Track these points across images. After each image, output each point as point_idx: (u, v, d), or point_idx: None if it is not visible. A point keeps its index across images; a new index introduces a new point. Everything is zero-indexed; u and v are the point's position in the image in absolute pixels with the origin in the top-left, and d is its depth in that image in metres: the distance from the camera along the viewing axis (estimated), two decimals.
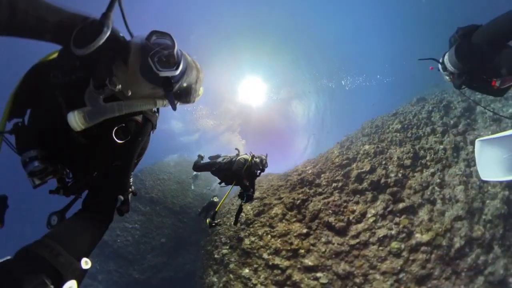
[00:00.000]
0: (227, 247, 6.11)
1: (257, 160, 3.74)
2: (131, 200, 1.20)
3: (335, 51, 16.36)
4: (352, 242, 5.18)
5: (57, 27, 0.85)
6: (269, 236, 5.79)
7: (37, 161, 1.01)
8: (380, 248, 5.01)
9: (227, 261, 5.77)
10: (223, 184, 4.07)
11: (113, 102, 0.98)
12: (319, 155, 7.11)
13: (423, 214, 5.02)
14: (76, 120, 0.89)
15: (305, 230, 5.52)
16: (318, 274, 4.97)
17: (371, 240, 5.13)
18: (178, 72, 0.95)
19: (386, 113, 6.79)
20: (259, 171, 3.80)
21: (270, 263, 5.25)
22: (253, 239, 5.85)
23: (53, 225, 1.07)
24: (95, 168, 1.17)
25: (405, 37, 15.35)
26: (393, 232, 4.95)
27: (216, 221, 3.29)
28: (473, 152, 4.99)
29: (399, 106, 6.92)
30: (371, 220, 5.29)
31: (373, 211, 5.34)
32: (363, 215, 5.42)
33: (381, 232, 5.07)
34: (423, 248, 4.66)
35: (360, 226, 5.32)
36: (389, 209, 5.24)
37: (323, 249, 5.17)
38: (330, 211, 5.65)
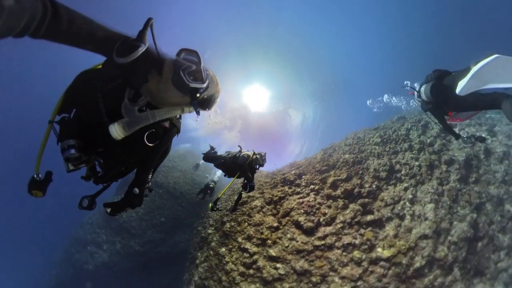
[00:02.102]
0: (212, 228, 6.33)
1: (258, 156, 3.96)
2: (146, 195, 1.28)
3: (331, 69, 16.92)
4: (317, 243, 4.95)
5: (103, 41, 0.94)
6: (246, 223, 5.94)
7: (74, 149, 1.07)
8: (344, 253, 4.73)
9: (210, 239, 6.00)
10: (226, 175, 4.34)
11: (146, 111, 1.06)
12: (304, 158, 7.17)
13: (389, 228, 4.64)
14: (117, 131, 0.97)
15: (276, 224, 5.48)
16: (278, 265, 4.98)
17: (336, 244, 4.84)
18: (205, 85, 1.05)
19: (369, 127, 6.62)
20: (258, 166, 3.99)
21: (242, 247, 5.32)
22: (233, 224, 5.96)
23: (84, 206, 1.18)
24: (123, 163, 1.29)
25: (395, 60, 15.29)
26: (356, 242, 4.69)
27: (217, 206, 3.46)
28: (446, 171, 4.66)
29: (381, 122, 6.65)
30: (339, 226, 5.05)
31: (341, 218, 5.07)
32: (333, 219, 5.18)
33: (346, 239, 4.80)
34: (382, 263, 4.34)
35: (328, 229, 5.07)
36: (356, 219, 4.96)
37: (287, 244, 5.19)
38: (302, 211, 5.56)
